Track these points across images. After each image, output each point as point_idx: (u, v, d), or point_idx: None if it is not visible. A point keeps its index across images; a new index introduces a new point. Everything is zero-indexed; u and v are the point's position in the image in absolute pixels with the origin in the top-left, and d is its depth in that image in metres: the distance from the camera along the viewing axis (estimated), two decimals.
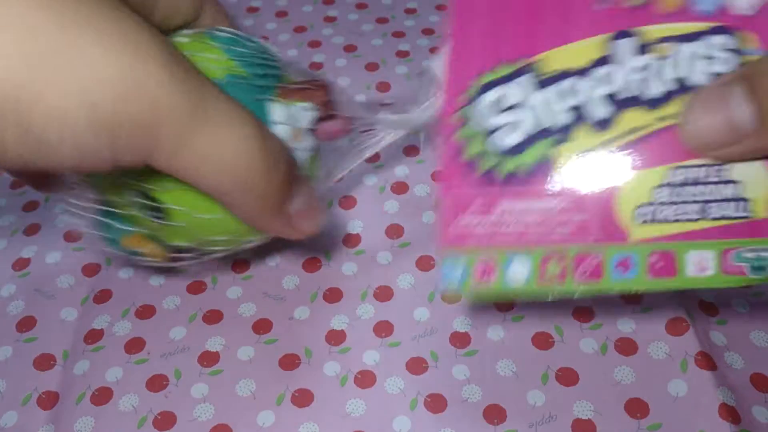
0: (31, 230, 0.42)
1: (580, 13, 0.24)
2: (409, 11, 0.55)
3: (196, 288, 0.39)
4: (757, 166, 0.23)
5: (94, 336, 0.37)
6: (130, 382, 0.35)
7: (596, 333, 0.35)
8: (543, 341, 0.35)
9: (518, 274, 0.24)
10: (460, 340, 0.35)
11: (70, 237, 0.41)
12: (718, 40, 0.24)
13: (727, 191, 0.23)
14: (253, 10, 0.56)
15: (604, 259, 0.24)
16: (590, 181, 0.24)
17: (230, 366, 0.35)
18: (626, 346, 0.35)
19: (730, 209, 0.23)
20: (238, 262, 0.40)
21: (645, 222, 0.23)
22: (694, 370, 0.33)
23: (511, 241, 0.24)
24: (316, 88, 0.29)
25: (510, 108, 0.25)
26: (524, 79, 0.25)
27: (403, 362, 0.35)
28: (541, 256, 0.24)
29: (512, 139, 0.25)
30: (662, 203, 0.23)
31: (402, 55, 0.51)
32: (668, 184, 0.23)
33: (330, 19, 0.55)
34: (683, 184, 0.23)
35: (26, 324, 0.37)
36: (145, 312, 0.38)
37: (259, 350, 0.36)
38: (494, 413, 0.33)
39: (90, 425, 0.33)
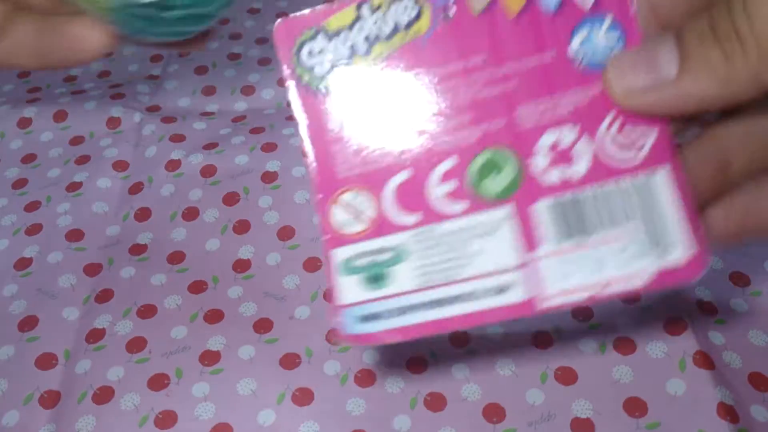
0: (33, 230, 0.42)
1: None
2: None
3: (197, 287, 0.39)
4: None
5: (95, 335, 0.37)
6: (131, 381, 0.35)
7: (595, 332, 0.35)
8: (542, 340, 0.35)
9: None
10: (459, 339, 0.36)
11: (72, 236, 0.41)
12: None
13: None
14: (254, 11, 0.56)
15: None
16: None
17: (231, 365, 0.35)
18: (625, 346, 0.35)
19: None
20: (239, 261, 0.40)
21: None
22: (692, 369, 0.34)
23: None
24: None
25: None
26: None
27: (404, 361, 0.35)
28: None
29: None
30: None
31: None
32: None
33: None
34: None
35: (28, 323, 0.38)
36: (147, 311, 0.38)
37: (259, 349, 0.36)
38: (493, 412, 0.33)
39: (91, 424, 0.33)
